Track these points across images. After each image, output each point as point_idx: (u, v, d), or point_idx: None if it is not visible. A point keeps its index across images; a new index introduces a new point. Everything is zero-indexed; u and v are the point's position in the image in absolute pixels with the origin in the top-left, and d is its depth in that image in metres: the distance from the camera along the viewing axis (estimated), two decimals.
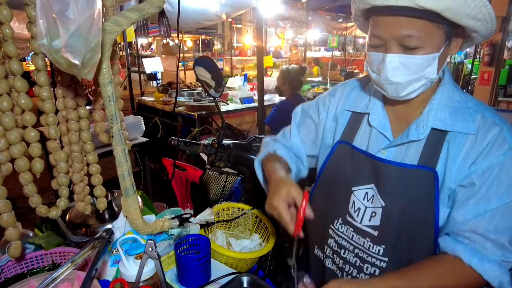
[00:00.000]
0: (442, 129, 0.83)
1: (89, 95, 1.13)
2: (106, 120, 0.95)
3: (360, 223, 0.92)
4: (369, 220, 0.90)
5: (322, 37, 13.57)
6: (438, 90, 0.86)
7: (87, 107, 1.06)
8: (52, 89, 0.96)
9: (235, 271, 1.07)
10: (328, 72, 6.63)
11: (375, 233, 0.90)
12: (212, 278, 1.01)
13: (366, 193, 0.91)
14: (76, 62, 0.62)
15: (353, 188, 0.94)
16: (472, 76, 7.92)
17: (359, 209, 0.92)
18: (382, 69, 0.80)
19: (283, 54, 10.52)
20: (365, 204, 0.91)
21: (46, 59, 0.85)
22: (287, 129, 1.16)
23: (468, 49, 12.24)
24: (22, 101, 0.83)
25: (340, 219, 0.98)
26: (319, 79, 7.30)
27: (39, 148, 0.87)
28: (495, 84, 5.93)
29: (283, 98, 3.59)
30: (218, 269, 1.06)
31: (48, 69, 0.93)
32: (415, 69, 0.77)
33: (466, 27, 0.75)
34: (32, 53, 0.87)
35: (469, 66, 8.42)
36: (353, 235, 0.94)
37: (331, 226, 1.00)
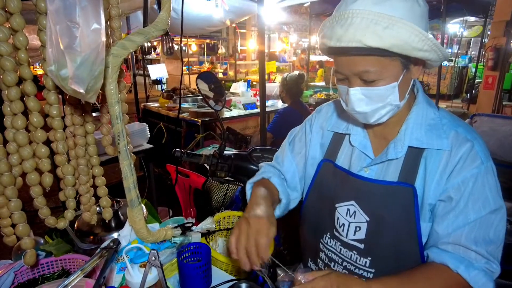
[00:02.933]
0: (419, 147, 0.88)
1: (96, 102, 1.19)
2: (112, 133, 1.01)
3: (346, 237, 0.97)
4: (354, 235, 0.95)
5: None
6: (412, 110, 0.91)
7: (94, 114, 1.12)
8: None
9: (234, 278, 1.11)
10: (331, 77, 6.66)
11: (361, 246, 0.94)
12: (213, 284, 1.06)
13: (348, 209, 0.96)
14: (81, 91, 0.68)
15: (336, 205, 0.99)
16: (476, 80, 7.89)
17: (343, 224, 0.97)
18: (348, 101, 0.87)
19: (287, 59, 10.55)
20: (348, 219, 0.96)
21: None
22: (279, 155, 1.20)
23: (472, 53, 12.21)
24: (35, 119, 0.89)
25: (328, 233, 1.03)
26: (322, 84, 7.33)
27: (49, 163, 0.93)
28: (500, 89, 5.92)
29: (286, 104, 3.62)
30: (219, 275, 1.11)
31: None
32: (377, 99, 0.83)
33: (417, 57, 0.79)
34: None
35: (473, 70, 8.38)
36: (340, 249, 0.99)
37: (321, 240, 1.05)
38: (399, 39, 0.74)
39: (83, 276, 0.85)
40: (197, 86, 1.31)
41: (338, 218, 0.98)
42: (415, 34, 0.74)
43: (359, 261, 0.95)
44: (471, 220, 0.81)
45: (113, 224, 1.22)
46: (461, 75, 9.87)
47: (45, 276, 1.04)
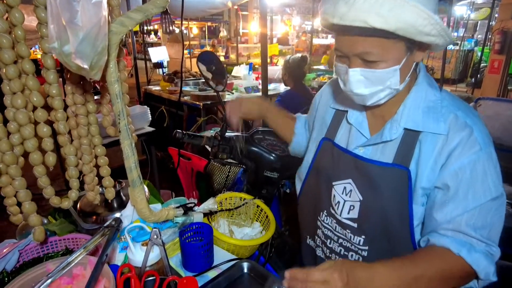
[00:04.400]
0: (414, 129, 0.85)
1: (96, 85, 1.18)
2: (113, 115, 1.00)
3: (340, 215, 0.97)
4: (348, 213, 0.95)
5: None
6: (412, 90, 0.88)
7: (95, 97, 1.11)
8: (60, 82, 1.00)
9: (236, 257, 1.13)
10: (334, 60, 6.56)
11: (355, 225, 0.95)
12: (215, 263, 1.07)
13: (345, 187, 0.96)
14: (85, 66, 0.67)
15: (334, 183, 0.99)
16: (481, 64, 7.76)
17: (338, 202, 0.98)
18: (346, 81, 0.84)
19: (290, 41, 10.40)
20: (344, 198, 0.96)
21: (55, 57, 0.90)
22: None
23: (479, 36, 11.98)
24: (35, 99, 0.88)
25: (325, 211, 1.03)
26: (325, 67, 7.23)
27: (51, 143, 0.93)
28: (506, 73, 5.83)
29: (288, 88, 3.58)
30: (221, 255, 1.12)
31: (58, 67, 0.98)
32: (377, 81, 0.80)
33: (424, 42, 0.76)
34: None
35: (479, 54, 8.25)
36: (336, 226, 1.00)
37: (319, 217, 1.06)
38: (405, 22, 0.70)
39: (86, 254, 0.86)
40: (197, 66, 1.29)
41: (334, 195, 0.99)
42: (423, 17, 0.69)
43: (353, 239, 0.96)
44: (471, 208, 0.80)
45: (115, 205, 1.23)
46: (467, 59, 9.73)
47: (50, 255, 1.05)
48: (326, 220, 1.03)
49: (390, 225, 0.90)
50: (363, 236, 0.94)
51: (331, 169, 1.00)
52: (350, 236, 0.96)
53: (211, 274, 1.02)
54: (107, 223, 0.95)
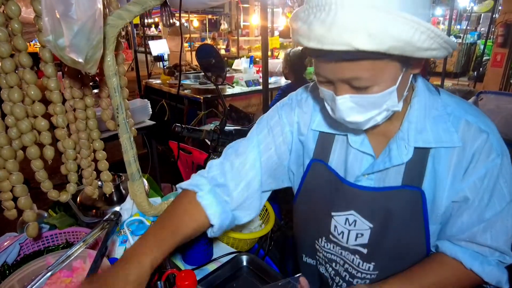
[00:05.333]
0: (426, 147, 0.76)
1: (96, 78, 1.17)
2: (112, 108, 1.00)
3: (347, 243, 0.88)
4: (355, 240, 0.87)
5: None
6: (413, 102, 0.77)
7: (94, 91, 1.11)
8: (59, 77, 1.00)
9: (235, 250, 1.13)
10: (314, 78, 6.48)
11: (365, 251, 0.86)
12: (214, 257, 1.08)
13: (347, 218, 0.85)
14: (80, 60, 0.66)
15: (333, 213, 0.87)
16: (484, 58, 7.70)
17: (342, 232, 0.88)
18: (335, 109, 0.71)
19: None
20: (348, 228, 0.86)
21: None
22: (240, 151, 0.92)
23: (482, 29, 11.87)
24: (32, 92, 0.88)
25: (324, 238, 0.93)
26: None
27: (49, 136, 0.93)
28: (508, 66, 5.78)
29: (289, 81, 3.56)
30: (220, 248, 1.13)
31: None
32: (371, 107, 0.68)
33: (424, 57, 0.62)
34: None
35: (482, 47, 8.17)
36: (341, 252, 0.91)
37: (317, 242, 0.96)
38: (399, 39, 0.56)
39: (86, 247, 0.87)
40: (196, 59, 1.29)
41: (335, 226, 0.88)
42: (421, 31, 0.56)
43: (362, 265, 0.88)
44: (487, 218, 0.75)
45: (115, 198, 1.24)
46: (469, 52, 9.65)
47: (50, 248, 1.06)
48: (327, 246, 0.93)
49: (404, 248, 0.84)
50: (373, 263, 0.87)
51: (328, 198, 0.87)
52: (359, 262, 0.88)
53: (211, 267, 1.03)
54: (107, 216, 0.96)
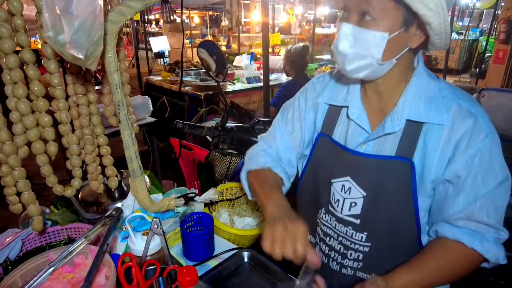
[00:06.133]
0: (417, 121, 0.84)
1: (97, 75, 1.17)
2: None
3: (341, 213, 0.95)
4: (349, 210, 0.94)
5: (331, 13, 13.16)
6: (411, 81, 0.86)
7: (96, 87, 1.11)
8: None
9: (237, 246, 1.14)
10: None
11: (357, 221, 0.93)
12: (215, 253, 1.08)
13: (343, 185, 0.93)
14: (80, 56, 0.66)
15: (332, 180, 0.96)
16: (486, 55, 7.66)
17: (338, 200, 0.95)
18: (336, 39, 0.82)
19: (292, 31, 10.29)
20: (343, 195, 0.94)
21: None
22: (272, 135, 1.12)
23: (484, 26, 11.80)
24: (36, 88, 0.88)
25: (324, 209, 1.01)
26: (328, 57, 7.16)
27: (53, 132, 0.94)
28: (510, 63, 5.75)
29: (290, 78, 3.55)
30: (221, 244, 1.13)
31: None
32: (362, 44, 0.78)
33: (419, 14, 0.73)
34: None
35: (484, 43, 8.13)
36: (335, 224, 0.98)
37: (318, 215, 1.04)
38: None
39: (87, 243, 0.87)
40: (198, 55, 1.28)
41: (333, 193, 0.96)
42: None
43: (355, 236, 0.94)
44: (482, 194, 0.80)
45: (116, 195, 1.24)
46: (471, 49, 9.61)
47: (52, 244, 1.06)
48: (325, 217, 1.01)
49: (395, 219, 0.89)
50: (366, 233, 0.93)
51: (329, 166, 0.97)
52: (352, 233, 0.95)
53: (212, 263, 1.03)
54: (108, 213, 0.96)
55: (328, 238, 1.02)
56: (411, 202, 0.86)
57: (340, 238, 0.98)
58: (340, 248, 0.99)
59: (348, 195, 0.93)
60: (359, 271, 0.97)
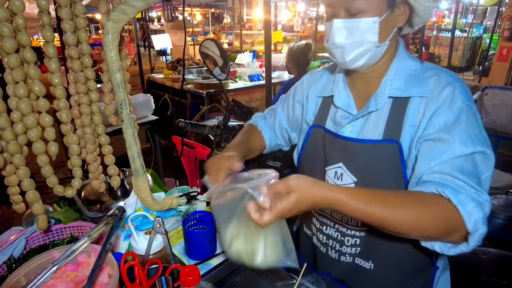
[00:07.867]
0: (398, 96, 0.86)
1: (99, 73, 1.17)
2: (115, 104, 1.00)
3: None
4: None
5: None
6: (393, 61, 0.90)
7: (97, 85, 1.11)
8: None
9: None
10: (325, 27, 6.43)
11: None
12: (217, 251, 1.09)
13: (336, 171, 0.95)
14: None
15: (326, 168, 0.98)
16: (490, 52, 7.61)
17: None
18: (330, 35, 0.86)
19: (295, 28, 10.25)
20: (336, 182, 0.96)
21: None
22: (272, 108, 1.24)
23: (488, 23, 11.71)
24: (37, 88, 0.88)
25: None
26: None
27: (53, 132, 0.94)
28: None
29: (292, 76, 3.54)
30: None
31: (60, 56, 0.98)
32: (357, 32, 0.82)
33: None
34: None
35: (488, 41, 8.07)
36: (331, 212, 1.00)
37: None
38: None
39: (90, 242, 0.88)
40: (200, 53, 1.28)
41: (327, 181, 0.98)
42: None
43: (351, 222, 0.96)
44: (457, 155, 0.75)
45: (119, 193, 1.24)
46: (475, 46, 9.54)
47: (55, 242, 1.07)
48: None
49: None
50: None
51: (323, 155, 1.00)
52: (348, 219, 0.96)
53: (214, 261, 1.04)
54: (111, 211, 0.96)
55: (325, 227, 1.03)
56: (401, 182, 0.86)
57: (336, 226, 1.00)
58: (337, 235, 1.00)
59: (340, 182, 0.95)
60: (358, 257, 0.98)
